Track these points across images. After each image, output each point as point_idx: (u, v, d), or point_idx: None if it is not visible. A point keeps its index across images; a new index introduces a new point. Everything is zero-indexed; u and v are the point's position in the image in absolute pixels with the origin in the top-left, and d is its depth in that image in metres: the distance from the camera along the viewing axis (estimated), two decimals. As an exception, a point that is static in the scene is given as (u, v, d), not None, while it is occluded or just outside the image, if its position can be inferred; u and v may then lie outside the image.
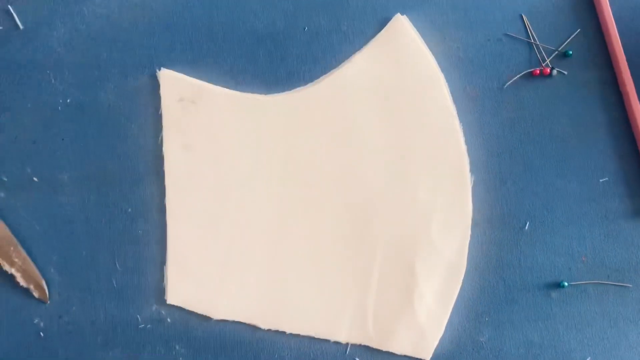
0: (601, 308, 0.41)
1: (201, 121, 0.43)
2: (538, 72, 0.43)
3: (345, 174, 0.43)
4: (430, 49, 0.43)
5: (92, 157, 0.43)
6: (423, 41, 0.43)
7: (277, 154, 0.43)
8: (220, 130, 0.43)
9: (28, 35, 0.44)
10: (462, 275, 0.42)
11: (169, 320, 0.42)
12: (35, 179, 0.43)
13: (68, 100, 0.44)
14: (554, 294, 0.42)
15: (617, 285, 0.42)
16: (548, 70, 0.43)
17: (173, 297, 0.42)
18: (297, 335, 0.42)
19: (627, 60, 0.42)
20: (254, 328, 0.42)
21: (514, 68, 0.43)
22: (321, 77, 0.44)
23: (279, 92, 0.44)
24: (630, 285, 0.42)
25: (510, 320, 0.42)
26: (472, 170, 0.43)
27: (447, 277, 0.42)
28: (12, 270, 0.42)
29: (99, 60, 0.44)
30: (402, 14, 0.43)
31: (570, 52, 0.43)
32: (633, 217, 0.42)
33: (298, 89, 0.44)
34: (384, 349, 0.42)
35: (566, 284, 0.41)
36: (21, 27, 0.44)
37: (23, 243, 0.43)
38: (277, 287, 0.42)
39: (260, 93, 0.44)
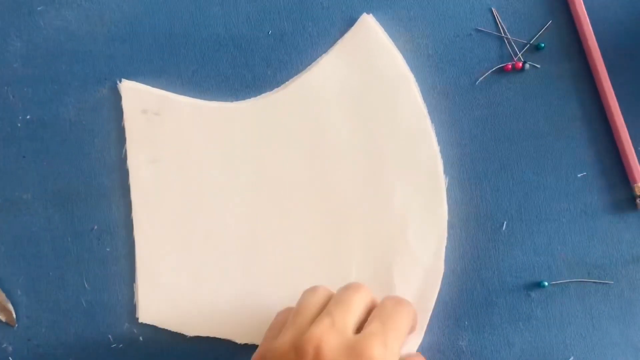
0: (583, 306, 0.41)
1: (166, 133, 0.42)
2: (510, 66, 0.42)
3: (317, 180, 0.42)
4: (399, 47, 0.42)
5: (55, 175, 0.42)
6: (391, 40, 0.42)
7: (246, 162, 0.42)
8: (186, 141, 0.42)
9: (-17, 51, 0.43)
10: (440, 279, 0.41)
11: (141, 338, 0.41)
12: (-3, 199, 0.42)
13: (28, 117, 0.42)
14: (534, 294, 0.41)
15: (598, 282, 0.41)
16: (520, 64, 0.42)
17: (145, 315, 0.41)
18: (274, 348, 0.41)
19: (601, 50, 0.41)
20: (230, 343, 0.41)
21: (485, 63, 0.42)
22: (288, 82, 0.42)
23: (245, 98, 0.42)
24: (612, 282, 0.41)
25: (490, 323, 0.41)
26: (445, 171, 0.41)
27: (424, 282, 0.41)
28: (-22, 295, 0.41)
29: (58, 74, 0.43)
30: (368, 12, 0.42)
31: (543, 45, 0.42)
32: (612, 212, 0.41)
33: (265, 94, 0.43)
34: (363, 357, 0.41)
35: (546, 283, 0.41)
36: (-25, 43, 0.42)
37: (-12, 266, 0.42)
38: (252, 300, 0.41)
39: (226, 100, 0.42)
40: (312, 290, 0.36)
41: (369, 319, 0.34)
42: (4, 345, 0.41)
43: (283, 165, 0.42)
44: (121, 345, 0.41)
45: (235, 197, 0.42)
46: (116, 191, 0.42)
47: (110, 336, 0.41)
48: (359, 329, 0.34)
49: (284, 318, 0.36)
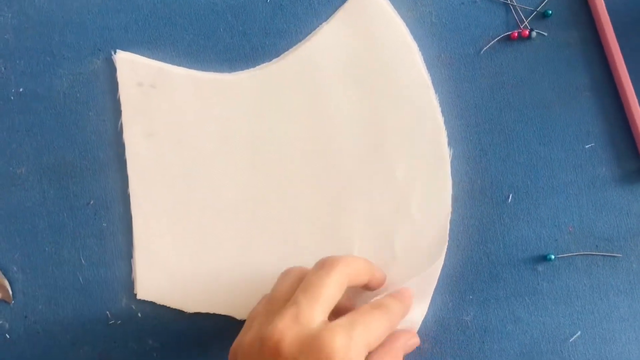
0: (590, 280, 0.40)
1: (162, 105, 0.41)
2: (516, 34, 0.41)
3: (317, 153, 0.41)
4: (401, 15, 0.41)
5: (50, 148, 0.41)
6: (393, 7, 0.41)
7: (244, 135, 0.41)
8: (183, 113, 0.41)
9: (-26, 22, 0.41)
10: (444, 253, 0.40)
11: (139, 315, 0.41)
12: (-9, 174, 0.41)
13: (21, 90, 0.41)
14: (541, 267, 0.40)
15: (606, 255, 0.40)
16: (527, 32, 0.41)
17: (143, 291, 0.40)
18: (274, 324, 0.40)
19: (610, 17, 0.40)
20: (230, 319, 0.40)
21: (490, 32, 0.41)
22: (287, 52, 0.41)
23: (243, 69, 0.41)
24: (620, 255, 0.40)
25: (495, 297, 0.40)
26: (450, 143, 0.40)
27: (428, 255, 0.40)
28: (-27, 271, 0.40)
29: (51, 45, 0.42)
30: (369, -21, 0.41)
31: (550, 12, 0.41)
32: (621, 184, 0.40)
33: (263, 65, 0.41)
34: (366, 333, 0.40)
35: (553, 256, 0.40)
36: (-35, 13, 0.41)
37: (-18, 242, 0.41)
38: (251, 275, 0.40)
39: (223, 72, 0.41)
40: (285, 274, 0.35)
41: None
42: (0, 322, 0.41)
43: (282, 137, 0.41)
44: (119, 322, 0.41)
45: (234, 171, 0.41)
46: (112, 165, 0.41)
47: (108, 312, 0.41)
48: (336, 311, 0.33)
49: (262, 307, 0.35)
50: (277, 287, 0.35)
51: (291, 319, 0.31)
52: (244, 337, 0.33)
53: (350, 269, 0.34)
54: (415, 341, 0.38)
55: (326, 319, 0.33)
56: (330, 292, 0.33)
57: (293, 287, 0.34)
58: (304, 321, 0.31)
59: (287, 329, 0.31)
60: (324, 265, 0.34)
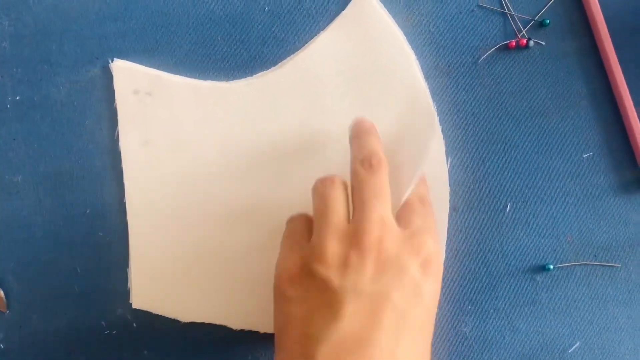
0: (589, 290, 0.39)
1: (159, 113, 0.41)
2: (514, 44, 0.41)
3: (314, 162, 0.41)
4: (399, 24, 0.41)
5: (46, 157, 0.41)
6: (391, 17, 0.41)
7: (241, 144, 0.41)
8: (180, 122, 0.41)
9: (-29, 30, 0.41)
10: (442, 263, 0.40)
11: (135, 325, 0.40)
12: (-14, 182, 0.41)
13: (17, 98, 0.41)
14: (539, 277, 0.40)
15: (604, 265, 0.39)
16: (524, 41, 0.41)
17: (138, 300, 0.40)
18: (271, 335, 0.40)
19: (608, 27, 0.40)
20: (225, 329, 0.40)
21: (488, 41, 0.41)
22: (285, 60, 0.41)
23: (240, 77, 0.41)
24: (619, 265, 0.39)
25: (494, 308, 0.40)
26: (448, 152, 0.40)
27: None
28: (-32, 280, 0.40)
29: (49, 53, 0.41)
30: (367, -12, 0.41)
31: (548, 21, 0.41)
32: (619, 193, 0.40)
33: (261, 73, 0.41)
34: (364, 343, 0.40)
35: (551, 266, 0.39)
36: (-39, 21, 0.41)
37: (-22, 251, 0.40)
38: (247, 285, 0.40)
39: (221, 80, 0.41)
40: (292, 219, 0.36)
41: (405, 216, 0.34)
42: (-5, 331, 0.40)
43: (279, 146, 0.41)
44: (115, 332, 0.40)
45: (231, 179, 0.41)
46: (108, 173, 0.41)
47: (103, 322, 0.40)
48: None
49: (286, 242, 0.35)
50: (326, 201, 0.34)
51: (379, 221, 0.32)
52: (292, 260, 0.33)
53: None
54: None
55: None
56: (388, 191, 0.34)
57: (308, 222, 0.35)
58: (389, 222, 0.33)
59: (380, 230, 0.32)
60: (372, 165, 0.34)
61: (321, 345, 0.30)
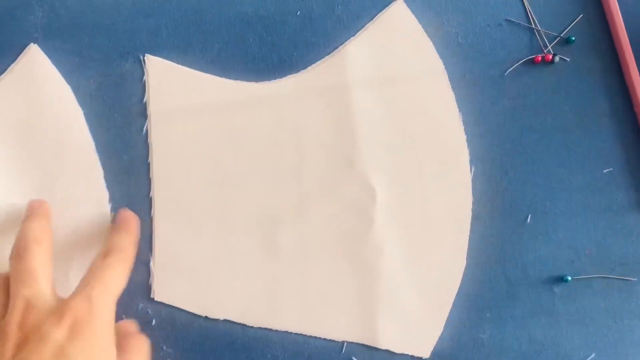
0: (605, 303, 0.40)
1: (188, 110, 0.41)
2: (540, 58, 0.42)
3: (341, 166, 0.41)
4: (429, 35, 0.41)
5: (73, 149, 0.41)
6: (421, 27, 0.42)
7: (269, 144, 0.41)
8: (209, 119, 0.41)
9: (3, 20, 0.41)
10: (462, 271, 0.40)
11: (154, 320, 0.40)
12: (12, 172, 0.41)
13: (47, 89, 0.41)
14: (557, 288, 0.40)
15: (621, 279, 0.40)
16: (550, 56, 0.41)
17: (160, 294, 0.40)
18: (290, 334, 0.40)
19: (632, 46, 0.41)
20: (244, 327, 0.40)
21: (514, 54, 0.42)
22: (315, 64, 0.42)
23: (270, 79, 0.42)
24: (635, 279, 0.40)
25: (512, 316, 0.40)
26: (472, 162, 0.41)
27: (446, 273, 0.40)
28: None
29: (80, 46, 0.42)
30: (398, -3, 0.42)
31: (573, 38, 0.42)
32: (638, 209, 0.41)
33: (290, 76, 0.42)
34: (382, 347, 0.40)
35: (569, 278, 0.40)
36: (-4, 11, 0.41)
37: (0, 240, 0.40)
38: (269, 283, 0.40)
39: (251, 80, 0.42)
40: None
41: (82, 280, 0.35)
42: (15, 321, 0.40)
43: (306, 149, 0.41)
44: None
45: (257, 179, 0.41)
46: (135, 168, 0.41)
47: (124, 316, 0.40)
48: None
49: None
50: None
51: (22, 306, 0.34)
52: None
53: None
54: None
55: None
56: (42, 269, 0.36)
57: None
58: (37, 301, 0.34)
59: (23, 314, 0.33)
60: (18, 254, 0.36)
61: None
